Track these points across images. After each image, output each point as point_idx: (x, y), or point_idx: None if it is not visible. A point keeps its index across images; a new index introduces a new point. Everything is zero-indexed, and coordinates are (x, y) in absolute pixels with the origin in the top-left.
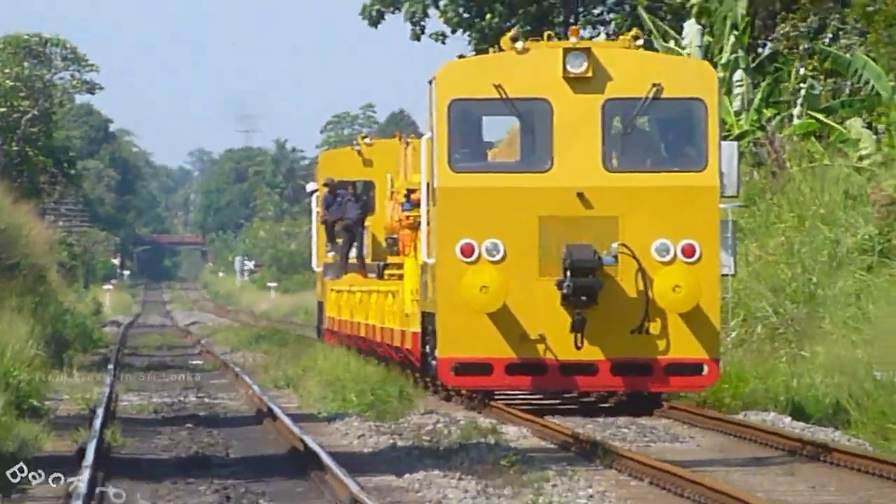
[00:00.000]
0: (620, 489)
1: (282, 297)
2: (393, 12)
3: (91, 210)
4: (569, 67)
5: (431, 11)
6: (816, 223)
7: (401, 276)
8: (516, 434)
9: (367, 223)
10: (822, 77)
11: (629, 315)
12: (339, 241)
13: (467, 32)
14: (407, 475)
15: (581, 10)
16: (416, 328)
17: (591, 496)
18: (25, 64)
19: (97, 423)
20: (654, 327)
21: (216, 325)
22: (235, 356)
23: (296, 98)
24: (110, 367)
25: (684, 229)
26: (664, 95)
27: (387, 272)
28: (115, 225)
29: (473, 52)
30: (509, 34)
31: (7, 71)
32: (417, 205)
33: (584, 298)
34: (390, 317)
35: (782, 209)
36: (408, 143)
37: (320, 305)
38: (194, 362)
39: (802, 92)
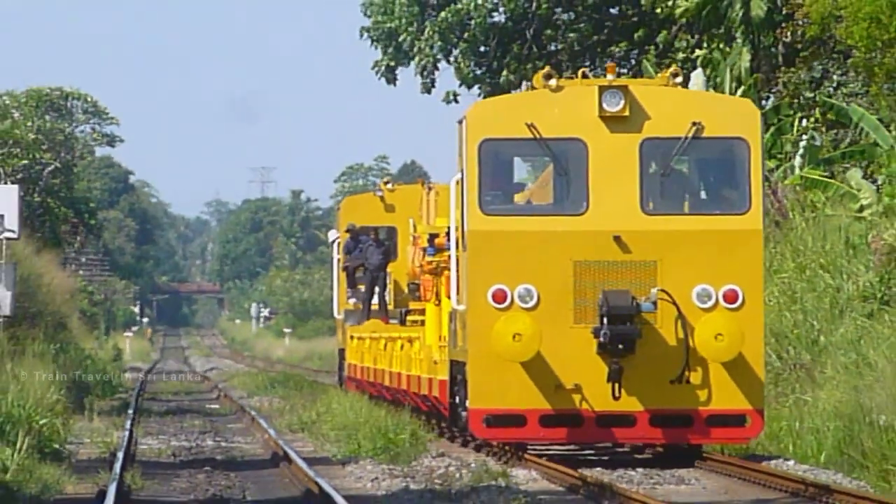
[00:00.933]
0: None
1: (297, 343)
2: (406, 65)
3: (111, 259)
4: (605, 106)
5: (442, 65)
6: (818, 271)
7: (423, 322)
8: (526, 477)
9: (389, 269)
10: (822, 128)
11: (669, 364)
12: (361, 287)
13: (477, 87)
14: None
15: (588, 64)
16: (445, 376)
17: None
18: (47, 117)
19: (117, 466)
20: (695, 377)
21: (233, 370)
22: (252, 401)
23: (310, 149)
24: (130, 411)
25: (727, 274)
26: (705, 135)
27: (409, 318)
28: (134, 274)
29: None
30: (542, 71)
31: (29, 124)
32: (440, 250)
33: (621, 347)
34: (417, 364)
35: (785, 257)
36: (430, 188)
37: (341, 353)
38: (212, 406)
39: (803, 143)
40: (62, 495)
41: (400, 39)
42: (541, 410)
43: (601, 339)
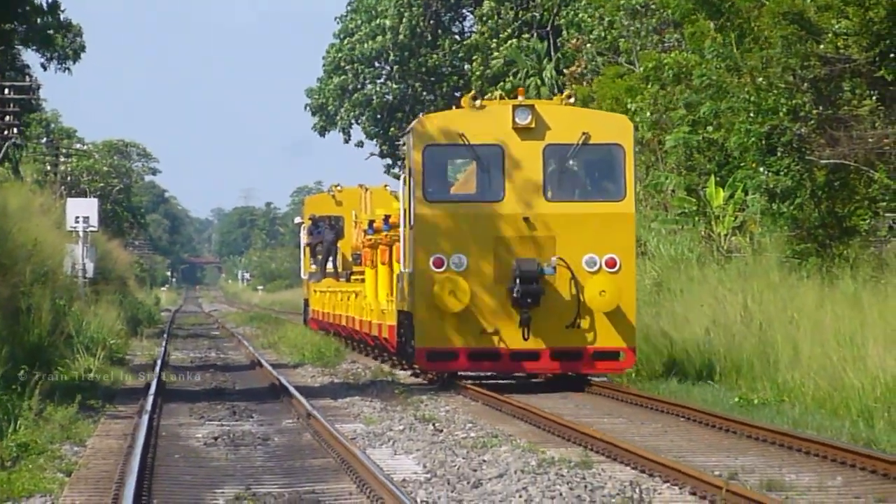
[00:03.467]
0: (465, 406)
1: (266, 294)
2: (332, 127)
3: (153, 243)
4: (517, 120)
5: (354, 125)
6: None
7: (363, 280)
8: (404, 375)
9: (338, 244)
10: None
11: (565, 313)
12: (319, 256)
13: (375, 140)
14: (340, 399)
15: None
16: (393, 322)
17: (447, 409)
18: (115, 157)
19: (157, 368)
20: (585, 323)
21: (227, 311)
22: (238, 329)
23: (276, 176)
24: (165, 335)
25: (608, 246)
26: (591, 141)
27: (353, 278)
28: (167, 252)
29: (378, 155)
30: (469, 94)
31: (104, 162)
32: (378, 231)
33: (529, 301)
34: (367, 312)
35: None
36: (367, 189)
37: (306, 302)
38: (214, 333)
39: None
40: (125, 386)
41: (328, 110)
42: (469, 348)
43: (515, 294)
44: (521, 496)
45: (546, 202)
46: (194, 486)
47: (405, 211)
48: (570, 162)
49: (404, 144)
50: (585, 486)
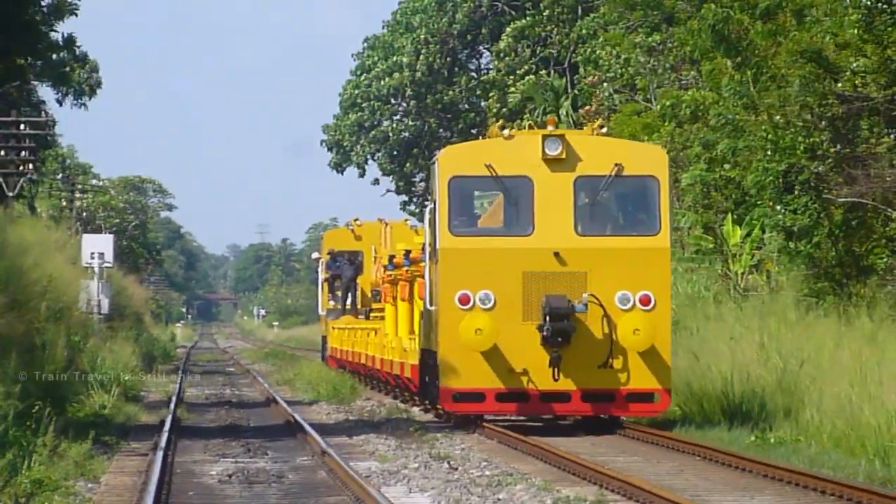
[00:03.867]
0: (481, 444)
1: (281, 331)
2: (348, 163)
3: (169, 280)
4: (547, 150)
5: (370, 162)
6: None
7: (382, 318)
8: (419, 412)
9: (357, 280)
10: None
11: (597, 353)
12: (338, 293)
13: (391, 176)
14: (355, 437)
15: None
16: (415, 361)
17: (463, 448)
18: (131, 193)
19: (172, 405)
20: (617, 363)
21: (242, 347)
22: (254, 366)
23: (291, 212)
24: (180, 372)
25: (641, 282)
26: (624, 173)
27: (372, 314)
28: (183, 288)
29: (394, 191)
30: (497, 124)
31: (121, 198)
32: (398, 266)
33: (560, 339)
34: (389, 351)
35: None
36: (386, 224)
37: (324, 339)
38: (229, 369)
39: None
40: (139, 423)
41: (344, 146)
42: (496, 389)
43: (544, 333)
44: None
45: (577, 236)
46: None
47: (429, 245)
48: (602, 194)
49: (428, 177)
50: None
